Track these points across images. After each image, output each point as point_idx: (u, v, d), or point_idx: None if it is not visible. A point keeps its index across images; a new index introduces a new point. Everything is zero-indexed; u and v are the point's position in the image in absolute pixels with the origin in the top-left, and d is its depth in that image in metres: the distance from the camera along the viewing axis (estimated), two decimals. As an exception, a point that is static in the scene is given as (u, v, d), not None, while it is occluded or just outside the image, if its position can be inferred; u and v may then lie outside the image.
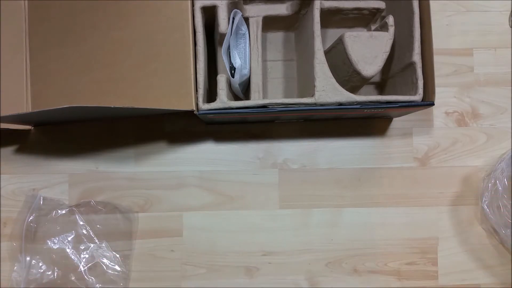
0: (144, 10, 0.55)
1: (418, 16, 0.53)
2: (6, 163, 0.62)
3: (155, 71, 0.54)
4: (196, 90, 0.52)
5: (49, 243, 0.60)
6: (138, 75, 0.55)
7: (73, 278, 0.59)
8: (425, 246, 0.63)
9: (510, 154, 0.61)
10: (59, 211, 0.61)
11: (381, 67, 0.53)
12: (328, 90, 0.52)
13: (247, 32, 0.57)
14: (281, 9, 0.59)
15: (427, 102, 0.52)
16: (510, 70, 0.65)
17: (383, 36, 0.53)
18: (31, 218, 0.60)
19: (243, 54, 0.56)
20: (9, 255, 0.61)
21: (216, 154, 0.63)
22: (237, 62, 0.54)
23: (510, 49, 0.65)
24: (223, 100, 0.52)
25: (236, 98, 0.60)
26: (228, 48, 0.55)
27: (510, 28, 0.65)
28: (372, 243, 0.63)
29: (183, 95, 0.52)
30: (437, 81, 0.52)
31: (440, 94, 0.63)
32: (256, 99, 0.57)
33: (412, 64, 0.54)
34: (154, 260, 0.62)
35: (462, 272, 0.63)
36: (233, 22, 0.54)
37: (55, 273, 0.59)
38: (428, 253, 0.63)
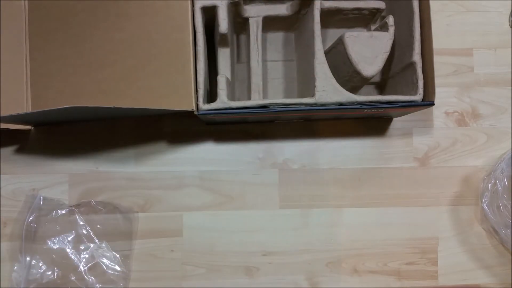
0: (144, 10, 0.55)
1: (418, 16, 0.53)
2: (6, 163, 0.62)
3: (155, 71, 0.54)
4: (196, 90, 0.52)
5: (49, 243, 0.60)
6: (138, 75, 0.55)
7: (73, 278, 0.59)
8: (425, 246, 0.63)
9: (510, 154, 0.61)
10: (59, 211, 0.60)
11: (381, 67, 0.53)
12: (328, 90, 0.52)
13: None
14: (281, 9, 0.59)
15: (427, 102, 0.52)
16: (510, 70, 0.65)
17: (383, 36, 0.53)
18: (31, 218, 0.60)
19: None
20: (9, 255, 0.61)
21: (216, 154, 0.63)
22: None
23: (510, 49, 0.65)
24: (223, 100, 0.52)
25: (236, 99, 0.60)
26: None
27: (510, 28, 0.65)
28: (372, 243, 0.63)
29: (183, 95, 0.52)
30: (437, 81, 0.52)
31: (440, 94, 0.63)
32: (256, 99, 0.57)
33: (412, 64, 0.54)
34: (154, 260, 0.62)
35: (462, 272, 0.63)
36: None
37: (55, 273, 0.59)
38: (428, 253, 0.63)
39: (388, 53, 0.53)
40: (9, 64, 0.58)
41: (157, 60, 0.54)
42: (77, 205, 0.61)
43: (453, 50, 0.65)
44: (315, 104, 0.52)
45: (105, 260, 0.60)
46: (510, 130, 0.64)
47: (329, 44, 0.58)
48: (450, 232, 0.64)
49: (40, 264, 0.59)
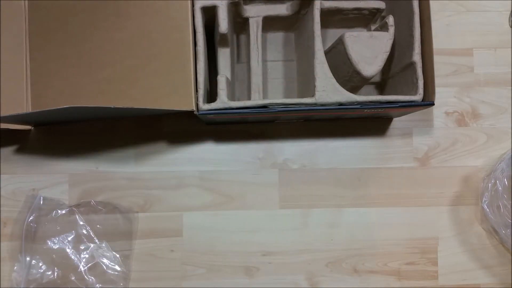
0: (144, 10, 0.55)
1: (418, 16, 0.53)
2: (6, 163, 0.62)
3: (155, 71, 0.54)
4: (196, 90, 0.52)
5: (49, 243, 0.60)
6: (138, 75, 0.55)
7: (73, 278, 0.59)
8: (425, 246, 0.63)
9: (510, 154, 0.61)
10: (59, 211, 0.60)
11: (381, 67, 0.53)
12: (328, 90, 0.52)
13: None
14: (281, 9, 0.59)
15: (427, 102, 0.52)
16: (510, 70, 0.65)
17: (383, 36, 0.53)
18: (31, 218, 0.60)
19: None
20: (9, 255, 0.61)
21: (216, 154, 0.63)
22: None
23: (510, 49, 0.65)
24: (223, 100, 0.52)
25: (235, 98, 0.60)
26: None
27: (510, 28, 0.65)
28: (372, 243, 0.63)
29: (183, 95, 0.52)
30: (437, 81, 0.52)
31: (440, 94, 0.63)
32: (256, 99, 0.57)
33: (412, 64, 0.54)
34: (154, 260, 0.62)
35: (462, 272, 0.63)
36: None
37: (55, 273, 0.59)
38: (428, 253, 0.63)
39: (388, 53, 0.53)
40: (9, 64, 0.58)
41: (157, 60, 0.54)
42: (77, 205, 0.61)
43: (453, 50, 0.65)
44: (315, 104, 0.52)
45: (105, 260, 0.60)
46: (510, 130, 0.64)
47: (329, 44, 0.58)
48: (450, 232, 0.64)
49: (40, 264, 0.59)
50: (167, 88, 0.53)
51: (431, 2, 0.52)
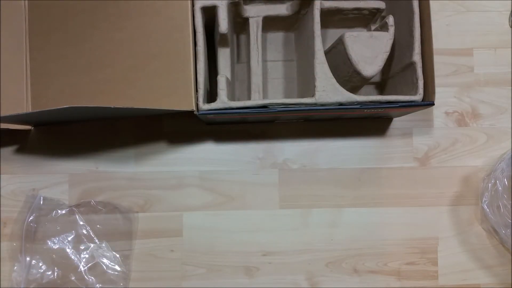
0: (144, 10, 0.55)
1: (418, 16, 0.53)
2: (6, 163, 0.62)
3: (155, 71, 0.54)
4: (196, 90, 0.52)
5: (49, 243, 0.60)
6: (138, 75, 0.55)
7: (73, 278, 0.59)
8: (425, 246, 0.63)
9: (510, 154, 0.61)
10: (59, 211, 0.61)
11: (381, 67, 0.53)
12: (328, 90, 0.52)
13: None
14: (281, 9, 0.59)
15: (427, 102, 0.52)
16: (510, 70, 0.65)
17: (383, 36, 0.53)
18: (31, 218, 0.60)
19: None
20: (9, 255, 0.61)
21: (216, 154, 0.63)
22: None
23: (510, 49, 0.65)
24: (223, 100, 0.52)
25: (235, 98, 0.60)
26: None
27: (510, 28, 0.65)
28: (372, 243, 0.63)
29: (183, 95, 0.52)
30: (437, 81, 0.52)
31: (440, 94, 0.63)
32: (256, 99, 0.57)
33: (412, 64, 0.54)
34: (154, 260, 0.62)
35: (462, 272, 0.63)
36: None
37: (55, 273, 0.59)
38: (428, 253, 0.63)
39: (388, 53, 0.53)
40: (9, 64, 0.58)
41: (157, 60, 0.54)
42: (77, 205, 0.61)
43: (453, 50, 0.65)
44: (315, 104, 0.52)
45: (105, 260, 0.60)
46: (510, 130, 0.64)
47: (329, 44, 0.58)
48: (450, 232, 0.64)
49: (40, 264, 0.59)
50: (167, 88, 0.53)
51: (431, 2, 0.52)
